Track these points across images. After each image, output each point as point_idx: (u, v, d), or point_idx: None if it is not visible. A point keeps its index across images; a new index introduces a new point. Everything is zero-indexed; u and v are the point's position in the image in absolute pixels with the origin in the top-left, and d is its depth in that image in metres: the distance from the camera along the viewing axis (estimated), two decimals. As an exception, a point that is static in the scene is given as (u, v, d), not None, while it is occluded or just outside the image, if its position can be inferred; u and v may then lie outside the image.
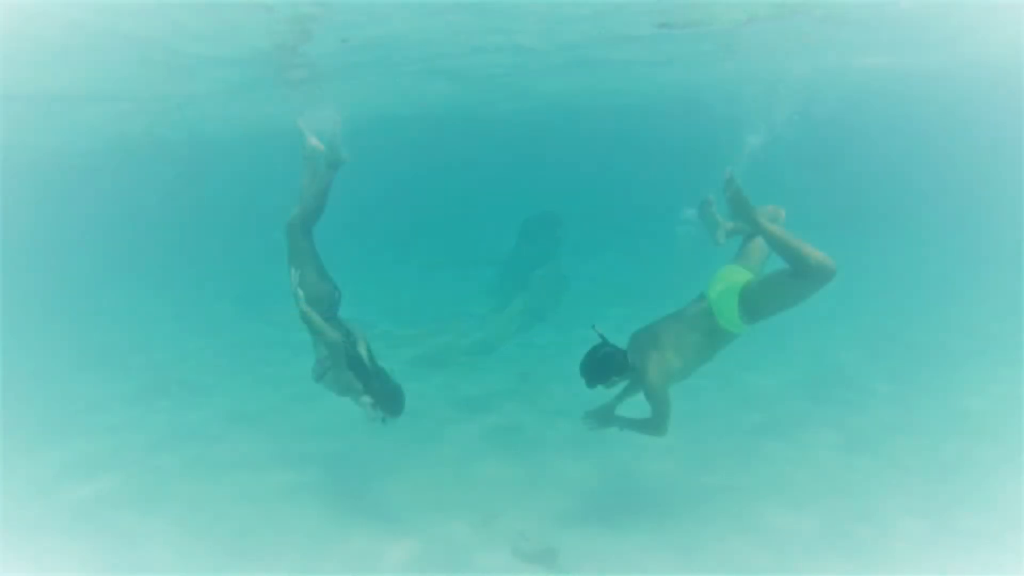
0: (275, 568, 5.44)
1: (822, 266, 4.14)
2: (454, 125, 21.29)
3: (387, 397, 4.97)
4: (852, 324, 12.13)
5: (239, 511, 6.22)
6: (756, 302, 4.44)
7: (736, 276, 4.60)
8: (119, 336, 12.12)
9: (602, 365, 4.62)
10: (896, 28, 8.47)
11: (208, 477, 6.85)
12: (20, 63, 7.05)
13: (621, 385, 4.86)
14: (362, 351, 5.07)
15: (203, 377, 9.98)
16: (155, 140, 15.98)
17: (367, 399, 4.91)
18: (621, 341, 4.89)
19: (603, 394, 4.93)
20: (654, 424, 4.67)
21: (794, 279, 4.28)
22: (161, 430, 8.03)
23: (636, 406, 4.91)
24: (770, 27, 7.83)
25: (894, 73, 12.77)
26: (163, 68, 7.78)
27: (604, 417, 5.02)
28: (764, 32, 8.10)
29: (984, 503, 6.12)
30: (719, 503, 6.31)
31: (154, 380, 9.78)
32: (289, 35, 6.52)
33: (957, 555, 5.41)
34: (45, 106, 10.12)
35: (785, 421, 8.11)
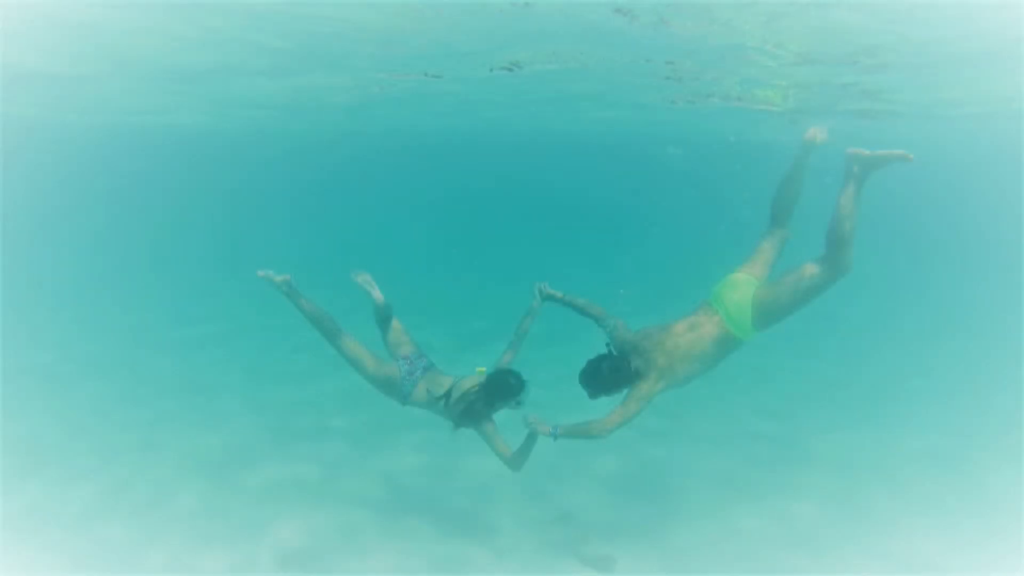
0: (275, 568, 5.45)
1: (830, 265, 4.24)
2: (453, 125, 21.32)
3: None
4: (853, 324, 12.14)
5: (239, 511, 6.23)
6: (768, 307, 4.45)
7: (745, 283, 4.59)
8: (119, 336, 12.12)
9: (610, 376, 4.57)
10: (895, 28, 8.46)
11: (208, 477, 6.86)
12: (23, 63, 7.08)
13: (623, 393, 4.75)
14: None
15: (203, 377, 9.98)
16: (160, 139, 15.97)
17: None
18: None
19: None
20: (609, 424, 4.54)
21: (802, 279, 4.31)
22: (161, 430, 8.03)
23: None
24: (770, 27, 7.83)
25: (894, 71, 12.76)
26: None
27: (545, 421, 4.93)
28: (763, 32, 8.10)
29: (984, 503, 6.14)
30: (718, 504, 6.32)
31: (154, 380, 9.78)
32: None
33: (957, 555, 5.42)
34: (45, 106, 10.15)
35: (784, 422, 8.12)
